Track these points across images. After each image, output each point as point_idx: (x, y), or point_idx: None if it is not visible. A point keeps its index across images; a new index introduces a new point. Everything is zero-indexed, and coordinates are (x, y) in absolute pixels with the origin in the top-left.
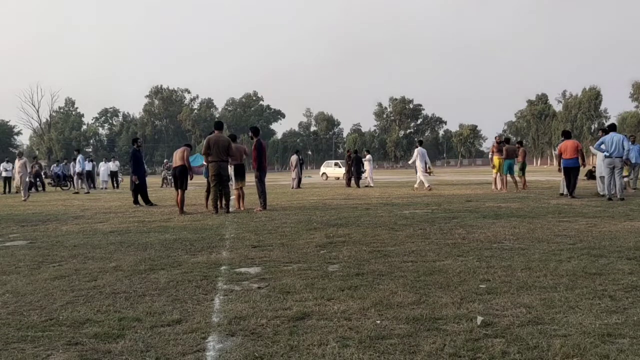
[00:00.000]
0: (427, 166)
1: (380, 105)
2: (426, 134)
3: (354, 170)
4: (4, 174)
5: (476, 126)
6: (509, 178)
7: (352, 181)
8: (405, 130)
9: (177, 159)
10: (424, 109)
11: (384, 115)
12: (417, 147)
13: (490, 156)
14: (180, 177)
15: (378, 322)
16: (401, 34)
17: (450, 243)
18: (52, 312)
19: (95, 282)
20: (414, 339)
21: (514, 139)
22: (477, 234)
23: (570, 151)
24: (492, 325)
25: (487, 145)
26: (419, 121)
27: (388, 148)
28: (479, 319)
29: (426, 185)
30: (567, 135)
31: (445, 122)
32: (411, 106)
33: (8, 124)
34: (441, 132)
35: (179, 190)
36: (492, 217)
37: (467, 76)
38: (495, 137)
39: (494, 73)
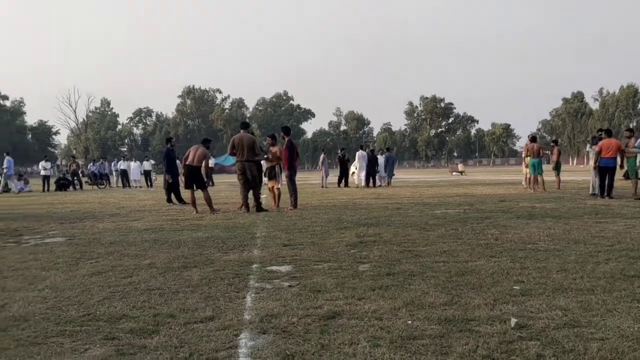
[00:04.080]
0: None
1: (410, 104)
2: (457, 133)
3: (370, 170)
4: (42, 172)
5: (509, 125)
6: (536, 177)
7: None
8: (437, 129)
9: (192, 157)
10: (455, 108)
11: (415, 114)
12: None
13: (523, 155)
14: (195, 178)
15: (409, 322)
16: (432, 31)
17: (483, 243)
18: (89, 307)
19: (130, 279)
20: (446, 340)
21: (549, 137)
22: (511, 235)
23: (612, 150)
24: (526, 327)
25: (520, 144)
26: (450, 120)
27: (419, 147)
28: (513, 320)
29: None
30: (609, 133)
31: (477, 121)
32: (442, 105)
33: (47, 124)
34: (473, 131)
35: (193, 191)
36: (526, 218)
37: (500, 74)
38: (528, 136)
39: (527, 70)
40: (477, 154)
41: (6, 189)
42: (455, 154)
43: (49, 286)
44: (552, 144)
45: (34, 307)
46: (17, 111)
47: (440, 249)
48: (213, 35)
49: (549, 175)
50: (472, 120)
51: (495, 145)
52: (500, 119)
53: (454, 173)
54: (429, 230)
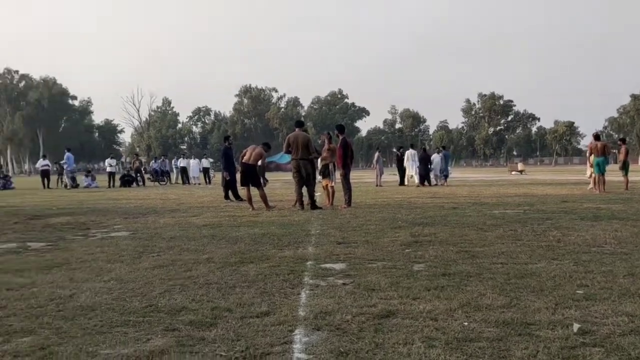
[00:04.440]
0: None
1: (468, 101)
2: (517, 131)
3: (421, 168)
4: (108, 169)
5: (573, 122)
6: (601, 177)
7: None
8: (495, 127)
9: (249, 156)
10: (515, 105)
11: (472, 112)
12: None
13: (587, 155)
14: (251, 175)
15: (465, 324)
16: (491, 26)
17: (544, 245)
18: (151, 299)
19: (190, 273)
20: (504, 344)
21: (616, 135)
22: (574, 237)
23: None
24: (590, 333)
25: (585, 142)
26: (509, 117)
27: (477, 145)
28: (576, 326)
29: None
30: None
31: (539, 119)
32: (501, 102)
33: (112, 122)
34: (534, 129)
35: (248, 188)
36: (590, 219)
37: (563, 70)
38: (593, 135)
39: (593, 66)
40: (538, 153)
41: (75, 185)
42: (514, 152)
43: (114, 278)
44: (619, 142)
45: (100, 297)
46: (85, 110)
47: (498, 250)
48: (269, 34)
49: (616, 175)
50: (533, 117)
51: (558, 143)
52: (563, 116)
53: (513, 172)
54: (487, 231)
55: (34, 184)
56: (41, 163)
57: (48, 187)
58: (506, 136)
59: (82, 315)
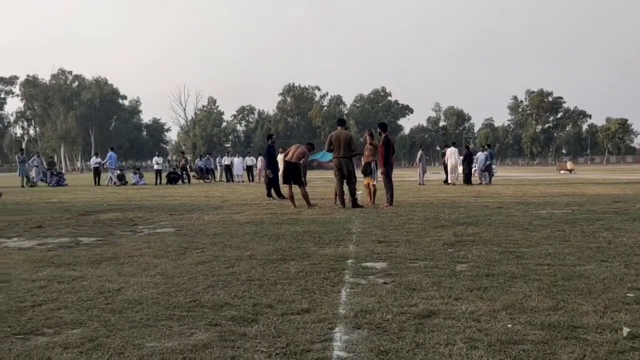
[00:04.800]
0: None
1: (515, 98)
2: (567, 129)
3: (465, 167)
4: (155, 167)
5: (626, 120)
6: None
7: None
8: (543, 124)
9: (292, 154)
10: (564, 102)
11: (520, 109)
12: None
13: None
14: (293, 173)
15: (509, 325)
16: (538, 22)
17: (593, 247)
18: (195, 294)
19: (232, 269)
20: (549, 347)
21: None
22: (625, 238)
23: None
24: None
25: (639, 141)
26: (558, 115)
27: (523, 144)
28: (625, 330)
29: None
30: None
31: (590, 116)
32: (550, 99)
33: (160, 121)
34: (584, 127)
35: (290, 186)
36: None
37: (615, 66)
38: None
39: None
40: (588, 152)
41: (124, 182)
42: (563, 151)
43: (159, 273)
44: None
45: (147, 291)
46: (134, 110)
47: (545, 251)
48: (313, 33)
49: None
50: (583, 115)
51: (610, 142)
52: (616, 113)
53: (562, 171)
54: (533, 231)
55: (86, 181)
56: (94, 161)
57: (99, 184)
58: (555, 134)
59: (129, 308)
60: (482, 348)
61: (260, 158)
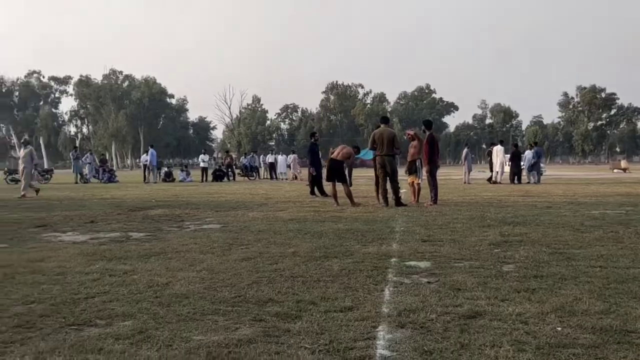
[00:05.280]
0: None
1: (565, 95)
2: (621, 126)
3: (512, 165)
4: (201, 164)
5: None
6: None
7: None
8: (595, 122)
9: (337, 153)
10: (618, 98)
11: (570, 106)
12: None
13: None
14: (337, 171)
15: (559, 328)
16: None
17: None
18: (240, 289)
19: (276, 265)
20: (600, 351)
21: None
22: None
23: None
24: None
25: None
26: (612, 112)
27: (574, 142)
28: None
29: None
30: None
31: None
32: (603, 95)
33: (205, 119)
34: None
35: (337, 184)
36: None
37: None
38: None
39: None
40: None
41: (171, 179)
42: (617, 149)
43: (205, 268)
44: None
45: (193, 286)
46: (181, 108)
47: (596, 253)
48: (357, 31)
49: None
50: (638, 112)
51: None
52: None
53: (615, 170)
54: (584, 232)
55: (136, 178)
56: (144, 158)
57: (148, 181)
58: (608, 131)
59: (176, 302)
60: (529, 351)
61: (294, 156)
